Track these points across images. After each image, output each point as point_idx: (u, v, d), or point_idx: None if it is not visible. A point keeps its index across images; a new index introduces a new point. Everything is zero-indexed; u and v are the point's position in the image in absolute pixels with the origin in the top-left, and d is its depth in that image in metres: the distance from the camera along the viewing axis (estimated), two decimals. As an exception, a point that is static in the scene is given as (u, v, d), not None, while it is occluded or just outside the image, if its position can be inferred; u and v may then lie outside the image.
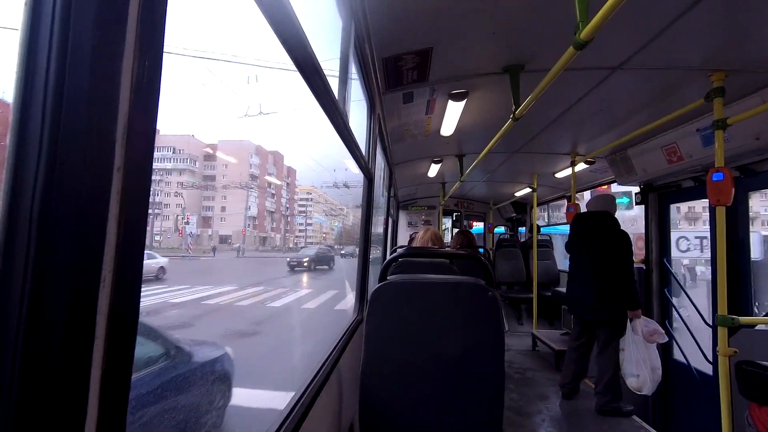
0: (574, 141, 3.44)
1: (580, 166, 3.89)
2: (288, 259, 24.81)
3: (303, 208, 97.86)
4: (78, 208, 0.27)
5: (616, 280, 2.63)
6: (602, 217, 2.83)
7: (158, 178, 57.96)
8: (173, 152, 58.54)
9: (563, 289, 4.11)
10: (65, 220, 0.27)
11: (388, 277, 1.46)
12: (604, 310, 2.66)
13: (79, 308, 0.28)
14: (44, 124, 0.26)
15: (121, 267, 0.30)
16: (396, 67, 2.07)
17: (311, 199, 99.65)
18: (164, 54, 0.34)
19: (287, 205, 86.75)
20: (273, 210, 77.71)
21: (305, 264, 23.61)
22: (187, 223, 47.27)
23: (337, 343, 1.57)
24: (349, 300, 10.57)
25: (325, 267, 25.43)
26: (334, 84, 1.16)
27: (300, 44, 0.76)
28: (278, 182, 79.32)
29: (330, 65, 1.27)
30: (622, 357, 2.61)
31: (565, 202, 5.31)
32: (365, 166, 1.92)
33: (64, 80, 0.26)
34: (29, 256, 0.26)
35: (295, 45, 0.75)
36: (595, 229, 2.82)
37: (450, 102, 2.53)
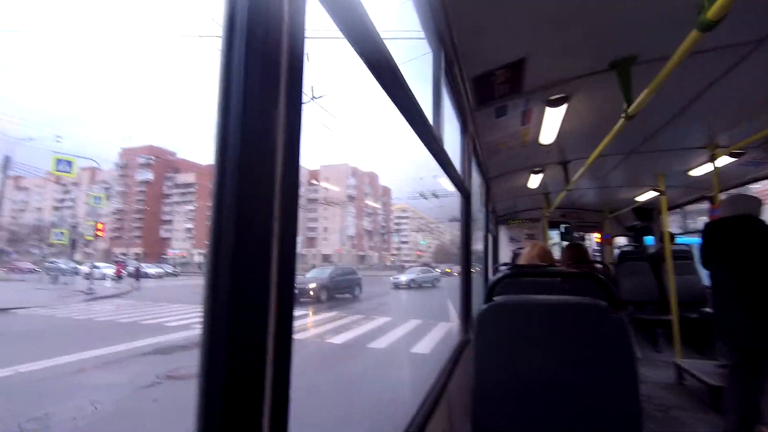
0: (710, 132, 2.94)
1: (724, 160, 3.27)
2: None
3: (398, 226, 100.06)
4: (257, 223, 0.38)
5: None
6: (747, 222, 2.35)
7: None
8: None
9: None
10: (250, 233, 0.37)
11: (494, 298, 1.39)
12: None
13: (260, 300, 0.38)
14: (235, 164, 0.36)
15: (281, 270, 0.40)
16: (487, 84, 2.07)
17: (406, 217, 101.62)
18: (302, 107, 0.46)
19: (383, 224, 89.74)
20: (370, 229, 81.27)
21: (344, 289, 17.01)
22: None
23: (445, 365, 1.53)
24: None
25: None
26: (427, 111, 1.22)
27: (398, 84, 0.81)
28: (374, 203, 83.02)
29: (422, 92, 1.33)
30: None
31: (706, 204, 4.52)
32: (461, 185, 1.93)
33: (244, 132, 0.37)
34: (229, 262, 0.36)
35: (393, 85, 0.81)
36: (743, 237, 2.34)
37: (548, 109, 2.43)
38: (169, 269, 36.59)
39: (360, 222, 76.51)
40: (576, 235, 6.71)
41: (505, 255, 6.31)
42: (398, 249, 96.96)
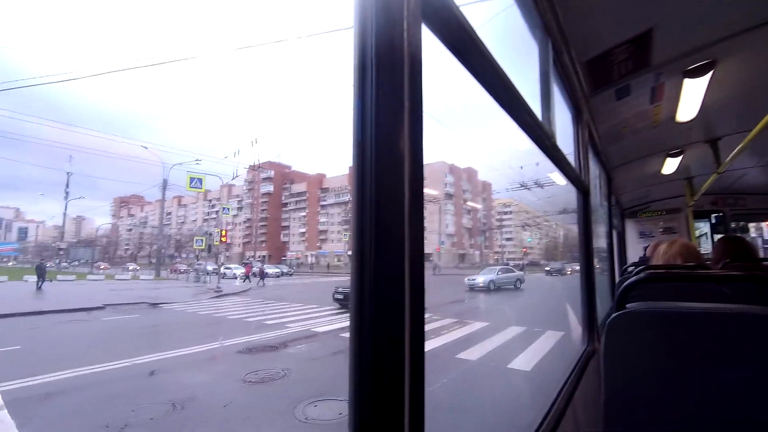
0: None
1: None
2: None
3: (501, 222, 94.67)
4: (389, 224, 0.43)
5: None
6: None
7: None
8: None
9: None
10: (387, 234, 0.43)
11: (627, 305, 1.20)
12: None
13: (397, 295, 0.43)
14: (372, 172, 0.43)
15: (412, 267, 0.44)
16: (603, 65, 1.92)
17: (510, 212, 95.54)
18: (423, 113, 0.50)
19: (484, 220, 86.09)
20: (470, 226, 78.90)
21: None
22: None
23: (569, 377, 1.41)
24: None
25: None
26: (535, 106, 1.18)
27: (505, 87, 0.82)
28: (473, 199, 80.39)
29: (529, 87, 1.28)
30: None
31: None
32: (577, 179, 1.79)
33: (378, 144, 0.43)
34: (372, 259, 0.42)
35: (502, 90, 0.82)
36: None
37: (686, 81, 2.11)
38: (285, 269, 41.15)
39: (459, 219, 75.09)
40: (734, 225, 5.51)
41: (633, 254, 5.55)
42: (501, 246, 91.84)
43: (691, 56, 1.92)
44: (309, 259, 72.82)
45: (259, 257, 72.12)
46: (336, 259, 70.47)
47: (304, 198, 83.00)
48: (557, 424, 1.09)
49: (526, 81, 1.27)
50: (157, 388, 5.27)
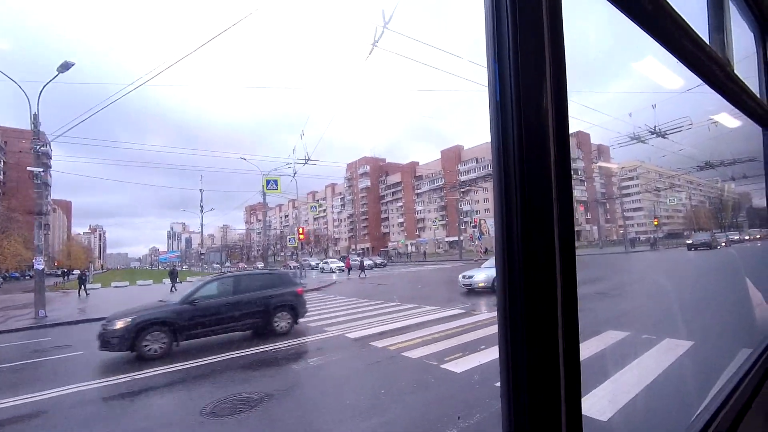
0: None
1: None
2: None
3: (626, 190, 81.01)
4: (536, 200, 0.40)
5: None
6: None
7: (471, 188, 65.70)
8: (476, 162, 65.06)
9: None
10: (535, 222, 0.40)
11: None
12: None
13: (550, 288, 0.40)
14: (517, 156, 0.40)
15: (563, 247, 0.41)
16: None
17: (636, 177, 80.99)
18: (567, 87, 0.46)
19: (603, 190, 75.06)
20: (585, 199, 69.73)
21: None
22: (474, 226, 46.71)
23: (755, 363, 1.19)
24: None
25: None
26: (703, 30, 1.00)
27: (660, 11, 0.69)
28: (587, 168, 70.49)
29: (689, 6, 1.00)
30: None
31: None
32: (764, 115, 1.42)
33: (519, 101, 0.40)
34: (520, 253, 0.40)
35: (654, 17, 0.69)
36: None
37: None
38: (379, 261, 41.45)
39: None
40: None
41: None
42: (629, 218, 78.59)
43: None
44: (409, 248, 73.68)
45: (360, 250, 75.86)
46: (436, 246, 69.69)
47: (399, 188, 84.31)
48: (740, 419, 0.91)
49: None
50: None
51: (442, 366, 5.23)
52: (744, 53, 1.50)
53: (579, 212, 66.88)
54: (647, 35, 0.71)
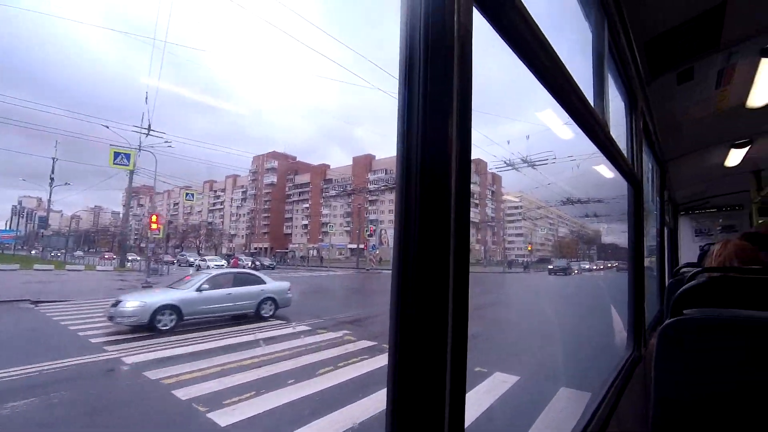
0: None
1: None
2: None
3: (511, 217, 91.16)
4: (434, 220, 0.42)
5: None
6: None
7: (378, 198, 66.38)
8: (386, 173, 66.28)
9: None
10: (431, 226, 0.42)
11: (684, 311, 1.15)
12: None
13: (439, 296, 0.42)
14: (416, 168, 0.42)
15: (457, 262, 0.43)
16: (665, 46, 1.85)
17: (520, 206, 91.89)
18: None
19: (493, 215, 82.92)
20: (477, 220, 76.17)
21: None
22: (370, 235, 46.30)
23: (613, 383, 1.36)
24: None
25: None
26: (588, 95, 1.08)
27: (557, 71, 0.78)
28: (480, 192, 77.53)
29: (580, 72, 1.13)
30: None
31: None
32: (630, 172, 1.68)
33: (425, 133, 0.42)
34: (415, 254, 0.41)
35: (552, 75, 0.78)
36: None
37: (764, 61, 2.03)
38: (267, 262, 38.25)
39: (465, 213, 72.46)
40: None
41: (686, 253, 5.37)
42: (510, 242, 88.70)
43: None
44: (311, 252, 71.33)
45: (255, 249, 70.79)
46: (338, 253, 68.63)
47: (307, 189, 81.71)
48: None
49: (579, 66, 1.20)
50: None
51: (210, 414, 3.93)
52: (616, 121, 1.73)
53: (471, 233, 72.87)
54: (546, 90, 0.81)
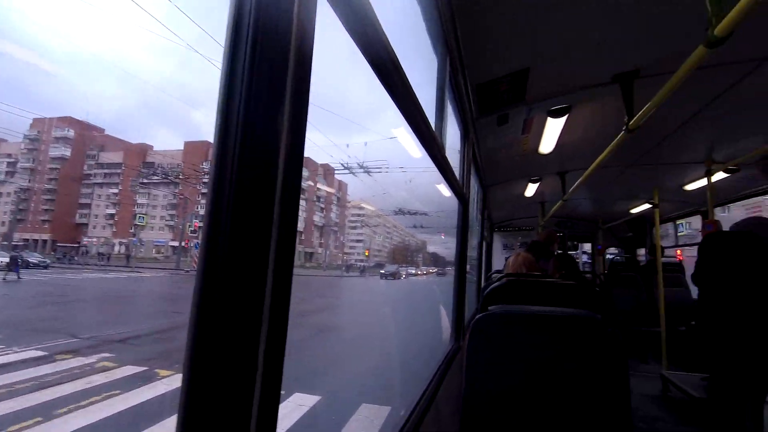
0: (708, 147, 3.06)
1: (719, 176, 3.41)
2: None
3: (353, 224, 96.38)
4: (252, 216, 0.37)
5: None
6: (752, 239, 2.42)
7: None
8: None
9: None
10: (247, 228, 0.36)
11: (489, 307, 1.42)
12: (758, 351, 2.27)
13: (256, 295, 0.37)
14: (233, 166, 0.36)
15: (278, 265, 0.38)
16: (490, 92, 2.12)
17: (363, 215, 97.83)
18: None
19: (337, 220, 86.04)
20: (321, 224, 77.38)
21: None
22: (194, 231, 39.93)
23: (435, 373, 1.56)
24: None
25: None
26: (430, 115, 1.20)
27: (404, 87, 0.82)
28: (327, 197, 79.40)
29: (426, 97, 1.27)
30: None
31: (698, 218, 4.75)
32: (460, 191, 1.94)
33: (248, 131, 0.37)
34: (225, 257, 0.35)
35: (401, 94, 0.82)
36: (743, 253, 2.40)
37: (549, 119, 2.49)
38: (36, 259, 29.17)
39: (310, 216, 72.72)
40: (569, 243, 6.79)
41: (498, 262, 6.38)
42: (352, 247, 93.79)
43: (554, 98, 2.25)
44: (117, 248, 57.95)
45: (22, 240, 52.97)
46: (155, 251, 58.06)
47: (118, 171, 66.50)
48: (421, 420, 1.18)
49: (424, 88, 1.31)
50: None
51: None
52: (452, 145, 2.04)
53: (315, 236, 73.68)
54: (396, 106, 0.87)
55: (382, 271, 44.70)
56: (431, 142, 1.15)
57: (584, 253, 7.86)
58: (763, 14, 1.30)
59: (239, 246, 0.36)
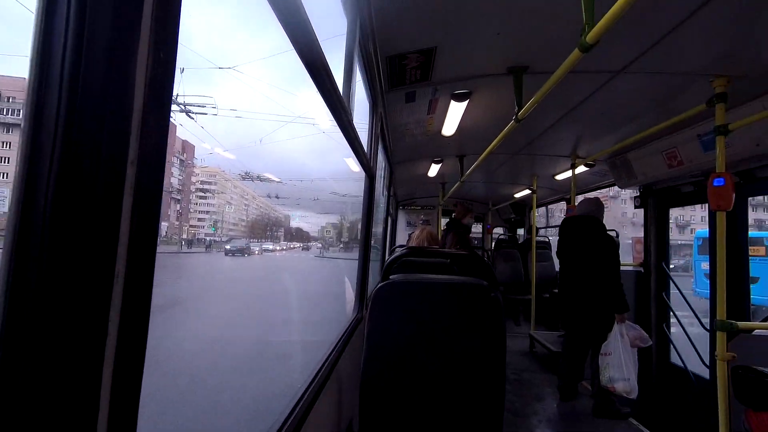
0: (575, 143, 3.54)
1: (581, 169, 3.99)
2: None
3: (204, 194, 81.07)
4: (91, 203, 0.27)
5: (604, 284, 2.78)
6: (589, 221, 2.97)
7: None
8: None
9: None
10: (79, 215, 0.27)
11: (390, 277, 1.49)
12: (595, 314, 2.81)
13: (92, 305, 0.28)
14: (58, 121, 0.26)
15: (133, 262, 0.30)
16: (399, 66, 2.14)
17: (214, 183, 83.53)
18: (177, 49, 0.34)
19: (179, 187, 70.23)
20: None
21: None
22: None
23: (337, 343, 1.59)
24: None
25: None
26: (339, 81, 1.21)
27: (309, 43, 0.80)
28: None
29: (335, 62, 1.24)
30: (606, 361, 2.72)
31: (564, 204, 5.41)
32: (367, 164, 1.96)
33: (78, 77, 0.27)
34: (42, 253, 0.26)
35: (304, 44, 0.79)
36: (583, 233, 2.96)
37: (452, 102, 2.60)
38: None
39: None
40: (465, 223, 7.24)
41: (401, 238, 6.65)
42: (201, 220, 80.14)
43: (457, 82, 2.35)
44: None
45: None
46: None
47: None
48: (322, 386, 1.21)
49: (332, 48, 1.32)
50: None
51: None
52: (359, 117, 1.96)
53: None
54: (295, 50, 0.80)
55: (228, 247, 36.24)
56: (337, 103, 1.11)
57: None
58: (625, 28, 1.54)
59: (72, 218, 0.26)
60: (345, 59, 1.54)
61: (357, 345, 1.78)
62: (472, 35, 1.85)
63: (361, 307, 2.18)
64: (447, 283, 1.46)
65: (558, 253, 3.18)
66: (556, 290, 5.00)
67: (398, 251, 1.94)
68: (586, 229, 2.94)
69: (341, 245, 72.31)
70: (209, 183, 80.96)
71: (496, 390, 1.38)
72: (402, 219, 7.18)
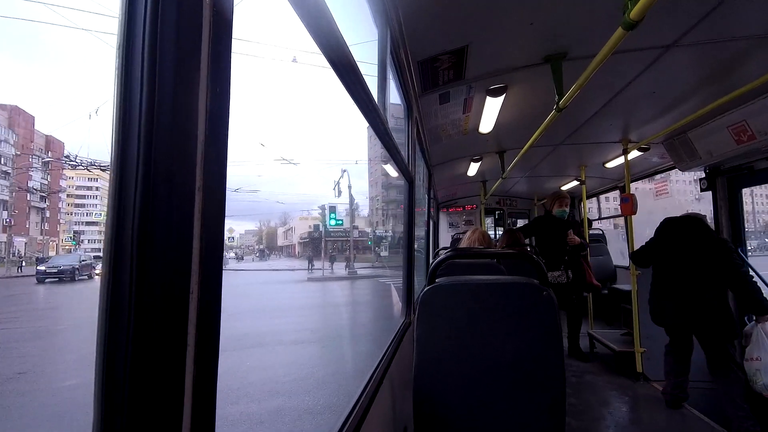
0: (625, 128, 3.31)
1: (634, 154, 3.71)
2: None
3: (82, 200, 65.24)
4: (169, 225, 0.31)
5: (725, 285, 2.60)
6: (695, 222, 2.77)
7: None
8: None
9: (621, 286, 4.34)
10: (161, 238, 0.31)
11: (436, 280, 1.46)
12: (720, 319, 2.58)
13: (175, 317, 0.32)
14: (139, 159, 0.30)
15: (205, 274, 0.34)
16: (432, 69, 2.12)
17: (96, 187, 64.90)
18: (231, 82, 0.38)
19: (42, 191, 52.69)
20: (6, 198, 43.62)
21: None
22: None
23: (388, 348, 1.59)
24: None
25: None
26: (373, 91, 1.20)
27: (345, 58, 0.80)
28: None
29: (368, 71, 1.30)
30: (755, 366, 2.47)
31: (617, 193, 5.08)
32: (406, 170, 1.94)
33: (153, 116, 0.30)
34: (133, 271, 0.30)
35: (339, 59, 0.79)
36: (692, 234, 2.74)
37: (488, 98, 2.54)
38: None
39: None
40: (509, 221, 7.11)
41: (443, 240, 6.54)
42: (79, 232, 61.66)
43: (492, 78, 2.29)
44: None
45: None
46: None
47: None
48: (376, 392, 1.21)
49: (366, 64, 1.36)
50: None
51: None
52: (396, 124, 2.03)
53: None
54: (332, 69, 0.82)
55: (42, 268, 20.19)
56: (375, 116, 1.10)
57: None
58: (669, 2, 1.44)
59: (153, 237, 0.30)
60: (378, 69, 1.54)
61: (407, 350, 1.76)
62: (503, 29, 1.80)
63: (409, 311, 2.14)
64: (495, 284, 1.41)
65: (652, 253, 2.95)
66: (617, 286, 4.78)
67: (442, 254, 1.90)
68: (695, 230, 2.73)
69: (257, 252, 62.53)
70: (90, 188, 65.47)
71: (556, 394, 1.30)
72: (444, 221, 7.06)
